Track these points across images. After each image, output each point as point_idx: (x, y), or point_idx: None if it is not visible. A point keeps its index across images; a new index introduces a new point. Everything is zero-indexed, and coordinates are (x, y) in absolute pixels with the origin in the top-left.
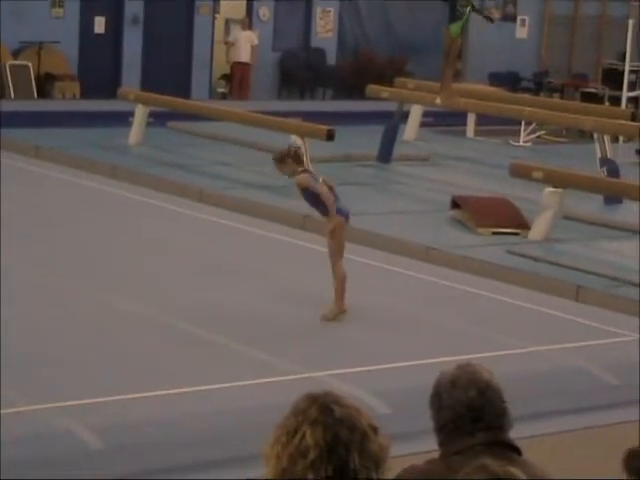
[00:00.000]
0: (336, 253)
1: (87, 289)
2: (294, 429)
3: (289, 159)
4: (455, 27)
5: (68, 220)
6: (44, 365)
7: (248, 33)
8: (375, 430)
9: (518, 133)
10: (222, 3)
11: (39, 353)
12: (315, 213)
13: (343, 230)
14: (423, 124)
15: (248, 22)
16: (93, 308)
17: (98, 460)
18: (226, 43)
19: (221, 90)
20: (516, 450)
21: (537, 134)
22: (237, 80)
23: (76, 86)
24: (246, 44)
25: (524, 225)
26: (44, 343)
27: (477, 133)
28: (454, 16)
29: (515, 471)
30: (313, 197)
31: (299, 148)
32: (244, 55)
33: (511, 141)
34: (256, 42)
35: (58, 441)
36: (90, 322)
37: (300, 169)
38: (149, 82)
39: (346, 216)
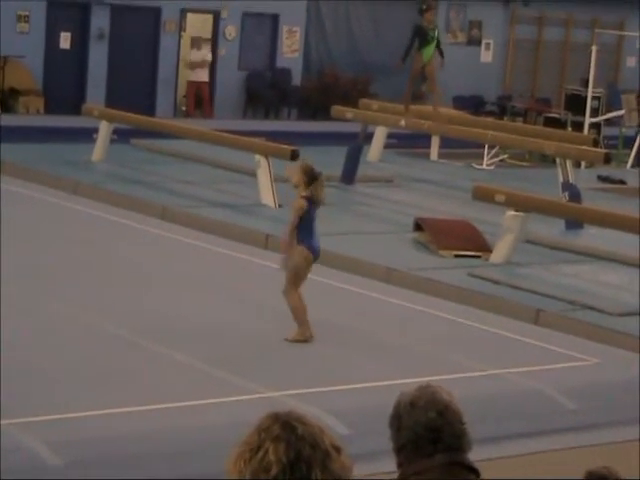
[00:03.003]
0: (291, 283)
1: (48, 305)
2: (257, 446)
3: (306, 175)
4: (427, 51)
5: (29, 236)
6: (2, 380)
7: (201, 52)
8: (338, 450)
9: (481, 156)
10: (188, 22)
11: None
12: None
13: (307, 263)
14: (387, 146)
15: (202, 42)
16: (55, 323)
17: (57, 476)
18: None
19: (185, 108)
20: (475, 472)
21: (500, 158)
22: (192, 99)
23: (40, 101)
24: (201, 63)
25: (486, 248)
26: (6, 358)
27: (440, 156)
28: (424, 41)
29: None
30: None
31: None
32: (201, 74)
33: (474, 164)
34: (209, 59)
35: (17, 457)
36: (52, 337)
37: (304, 193)
38: (114, 99)
39: (316, 253)
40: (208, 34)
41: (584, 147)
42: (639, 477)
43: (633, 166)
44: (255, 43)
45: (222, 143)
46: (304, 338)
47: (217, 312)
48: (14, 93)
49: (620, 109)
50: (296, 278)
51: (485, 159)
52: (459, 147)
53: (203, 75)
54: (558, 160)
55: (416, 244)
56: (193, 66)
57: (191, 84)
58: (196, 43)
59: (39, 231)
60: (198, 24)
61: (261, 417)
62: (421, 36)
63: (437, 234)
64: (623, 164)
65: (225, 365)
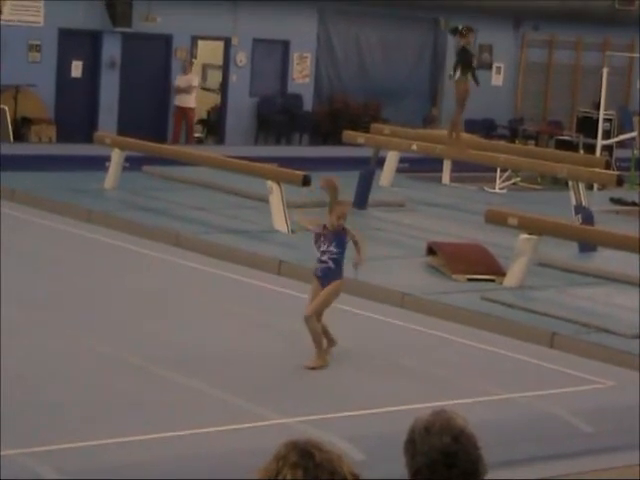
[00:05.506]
0: (317, 312)
1: (62, 333)
2: (275, 473)
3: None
4: (467, 74)
5: (42, 264)
6: (15, 408)
7: (188, 77)
8: (356, 477)
9: (493, 180)
10: (199, 49)
11: (10, 397)
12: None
13: (338, 294)
14: (399, 170)
15: (188, 66)
16: (68, 352)
17: None
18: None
19: (197, 135)
20: None
21: (512, 181)
22: (178, 124)
23: (52, 130)
24: (186, 88)
25: (499, 271)
26: (16, 386)
27: (452, 179)
28: (468, 63)
29: None
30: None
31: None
32: (186, 99)
33: (486, 188)
34: (195, 84)
35: None
36: (66, 365)
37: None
38: (125, 126)
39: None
40: (219, 61)
41: (596, 170)
42: None
43: None
44: (266, 69)
45: (234, 169)
46: (324, 363)
47: (231, 339)
48: (26, 122)
49: (632, 131)
50: (324, 307)
51: (497, 182)
52: (471, 171)
53: (188, 101)
54: (570, 183)
55: (429, 268)
56: (178, 91)
57: (176, 109)
58: (185, 67)
59: (52, 259)
60: (209, 51)
61: (279, 445)
62: (466, 58)
63: (450, 258)
64: (636, 186)
65: (240, 392)
